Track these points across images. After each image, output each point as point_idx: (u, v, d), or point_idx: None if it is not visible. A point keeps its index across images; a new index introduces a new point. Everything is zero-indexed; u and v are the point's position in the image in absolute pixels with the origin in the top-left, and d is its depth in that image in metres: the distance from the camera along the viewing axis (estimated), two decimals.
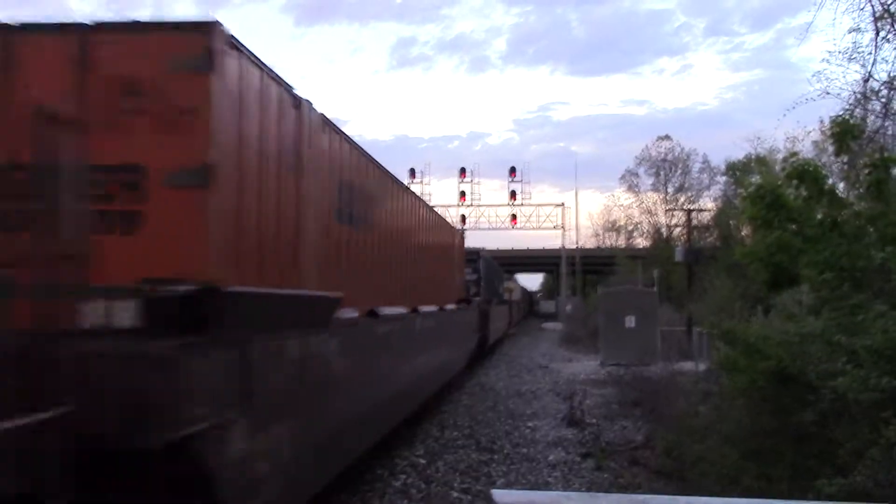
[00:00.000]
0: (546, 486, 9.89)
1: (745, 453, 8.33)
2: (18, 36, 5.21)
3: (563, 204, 61.43)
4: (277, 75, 6.16)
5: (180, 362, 4.50)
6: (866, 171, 8.52)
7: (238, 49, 5.36)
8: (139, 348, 4.40)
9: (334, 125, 7.90)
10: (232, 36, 5.24)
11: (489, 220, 58.91)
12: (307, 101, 6.87)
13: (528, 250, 76.97)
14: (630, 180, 66.65)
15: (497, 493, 4.25)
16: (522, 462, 11.23)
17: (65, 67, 5.04)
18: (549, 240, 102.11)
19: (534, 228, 59.63)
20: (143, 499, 4.62)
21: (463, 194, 56.42)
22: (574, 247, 64.24)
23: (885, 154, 9.37)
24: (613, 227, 74.47)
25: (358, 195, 8.73)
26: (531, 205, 58.52)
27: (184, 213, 4.82)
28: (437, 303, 14.55)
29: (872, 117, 14.83)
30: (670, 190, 64.14)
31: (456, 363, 18.27)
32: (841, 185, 14.43)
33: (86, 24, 5.17)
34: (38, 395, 4.19)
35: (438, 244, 16.06)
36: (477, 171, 75.21)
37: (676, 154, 64.07)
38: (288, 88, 6.42)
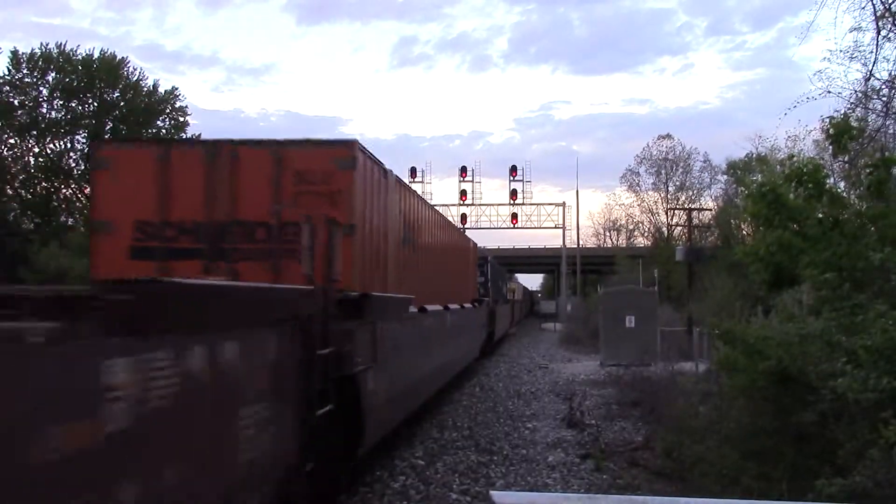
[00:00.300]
0: (545, 488, 9.86)
1: (745, 453, 8.30)
2: (241, 147, 8.92)
3: (563, 203, 61.34)
4: (379, 161, 9.96)
5: (355, 333, 7.73)
6: (867, 170, 8.49)
7: (364, 153, 9.14)
8: (344, 326, 7.50)
9: (401, 180, 11.88)
10: (362, 147, 9.06)
11: (490, 219, 58.90)
12: (390, 170, 10.71)
13: (528, 249, 76.98)
14: (631, 179, 66.76)
15: (496, 495, 4.23)
16: (522, 463, 11.20)
17: (268, 165, 8.68)
18: (549, 239, 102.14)
19: (534, 228, 59.58)
20: (344, 400, 7.44)
21: (464, 193, 56.45)
22: (574, 246, 64.20)
23: (886, 154, 9.35)
24: (614, 227, 74.62)
25: (412, 225, 12.46)
26: (532, 204, 58.53)
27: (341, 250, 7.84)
28: (459, 302, 17.87)
29: (873, 116, 14.81)
30: (671, 189, 64.22)
31: (471, 351, 21.35)
32: (842, 185, 14.42)
33: (280, 140, 9.02)
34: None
35: (460, 255, 19.80)
36: (478, 171, 75.38)
37: (677, 153, 64.18)
38: (381, 166, 10.14)
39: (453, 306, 16.39)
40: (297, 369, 6.22)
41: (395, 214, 10.98)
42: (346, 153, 8.72)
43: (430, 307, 13.13)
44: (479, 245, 28.08)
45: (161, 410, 4.01)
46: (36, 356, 3.12)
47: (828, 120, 9.11)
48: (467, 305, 19.59)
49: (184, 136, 48.27)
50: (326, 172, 8.56)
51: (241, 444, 5.10)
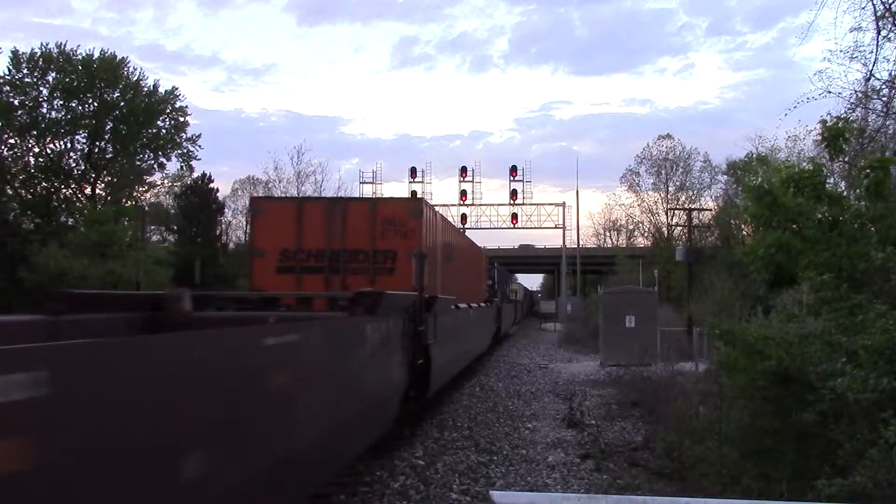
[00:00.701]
0: (545, 488, 9.87)
1: (745, 453, 8.30)
2: (350, 202, 16.60)
3: (563, 203, 61.37)
4: (432, 206, 15.26)
5: (428, 320, 11.71)
6: (866, 171, 8.49)
7: (426, 204, 14.52)
8: (423, 315, 11.55)
9: (443, 216, 17.41)
10: (426, 201, 16.07)
11: (490, 219, 58.92)
12: (439, 211, 15.92)
13: (528, 249, 76.96)
14: (631, 179, 66.78)
15: (496, 495, 4.23)
16: (521, 463, 11.20)
17: (365, 213, 13.29)
18: (549, 239, 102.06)
19: (534, 228, 59.61)
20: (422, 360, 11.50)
21: (464, 193, 56.52)
22: (574, 246, 64.20)
23: (885, 155, 9.35)
24: (614, 227, 74.64)
25: (449, 246, 16.82)
26: (532, 204, 58.60)
27: (412, 267, 11.97)
28: (475, 301, 22.10)
29: (874, 116, 14.81)
30: (671, 189, 64.23)
31: (485, 340, 26.27)
32: (842, 185, 14.41)
33: (374, 198, 28.15)
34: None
35: (476, 264, 24.39)
36: (478, 171, 75.37)
37: (677, 153, 64.21)
38: (435, 210, 15.70)
39: (474, 305, 21.19)
40: (410, 337, 10.76)
41: (441, 240, 15.49)
42: (416, 206, 13.86)
43: (461, 305, 17.83)
44: (478, 245, 31.27)
45: (378, 345, 8.75)
46: (359, 324, 8.25)
47: (821, 123, 9.12)
48: (482, 304, 24.36)
49: (270, 194, 50.77)
50: (403, 218, 13.18)
51: (394, 369, 9.77)
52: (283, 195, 47.94)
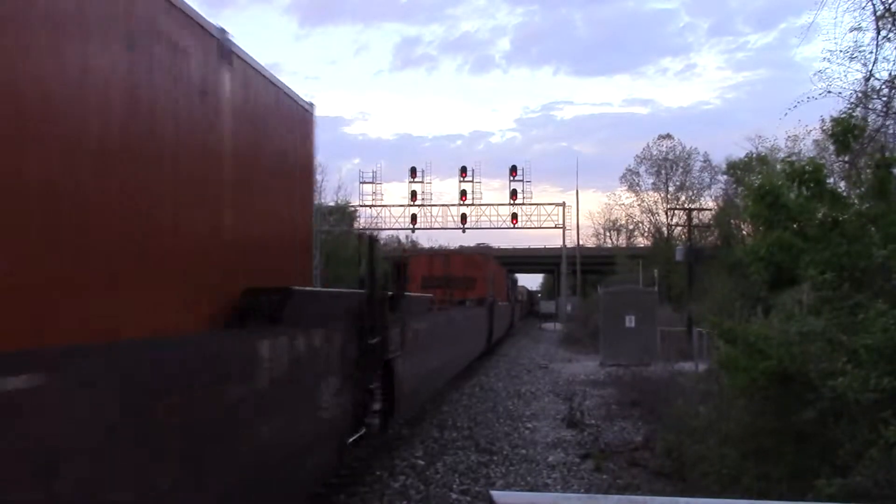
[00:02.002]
0: (545, 488, 9.86)
1: (745, 453, 8.29)
2: (452, 254, 34.98)
3: (563, 203, 61.33)
4: (494, 256, 44.07)
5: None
6: (868, 171, 8.48)
7: (492, 257, 39.70)
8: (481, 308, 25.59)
9: (495, 260, 40.74)
10: (492, 254, 46.79)
11: (490, 219, 58.88)
12: (493, 256, 41.53)
13: (528, 249, 76.96)
14: (631, 179, 66.81)
15: (496, 495, 4.21)
16: (522, 463, 11.19)
17: (462, 258, 31.90)
18: (549, 239, 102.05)
19: (534, 228, 59.57)
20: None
21: (464, 193, 56.41)
22: (574, 246, 64.17)
23: (887, 154, 9.33)
24: (614, 227, 74.62)
25: (496, 270, 35.41)
26: (532, 204, 58.48)
27: (480, 289, 28.07)
28: (501, 301, 33.65)
29: (873, 116, 14.79)
30: (671, 189, 64.24)
31: (506, 324, 37.35)
32: (842, 184, 14.40)
33: (465, 250, 47.56)
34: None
35: (502, 277, 38.50)
36: (479, 171, 75.40)
37: (677, 153, 64.22)
38: (495, 258, 41.53)
39: (501, 303, 32.61)
40: (490, 317, 25.51)
41: (497, 269, 35.35)
42: (486, 254, 40.39)
43: (501, 303, 32.12)
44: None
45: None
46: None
47: (830, 119, 9.11)
48: (504, 303, 35.09)
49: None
50: (473, 268, 29.65)
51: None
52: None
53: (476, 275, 28.46)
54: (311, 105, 7.99)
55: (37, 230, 3.64)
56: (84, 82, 4.02)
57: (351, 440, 8.07)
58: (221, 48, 5.69)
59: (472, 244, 60.06)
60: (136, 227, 4.47)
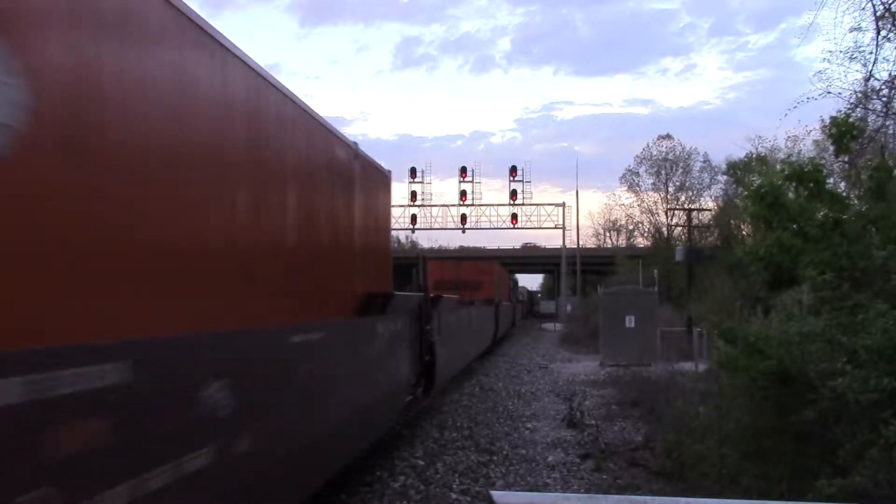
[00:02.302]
0: (545, 488, 9.86)
1: (745, 453, 8.29)
2: (462, 262, 35.14)
3: (563, 203, 61.37)
4: (500, 265, 40.76)
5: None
6: (868, 173, 8.49)
7: (497, 265, 38.13)
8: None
9: (501, 266, 41.25)
10: (497, 263, 40.13)
11: (490, 219, 58.90)
12: (499, 265, 40.40)
13: (528, 249, 76.91)
14: (631, 179, 66.83)
15: (496, 495, 4.22)
16: (521, 463, 11.20)
17: (471, 265, 34.14)
18: (549, 239, 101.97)
19: (534, 228, 59.62)
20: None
21: (464, 194, 56.46)
22: (574, 246, 64.19)
23: (885, 154, 9.34)
24: (614, 227, 74.65)
25: (501, 273, 37.84)
26: (532, 204, 58.58)
27: (486, 290, 29.92)
28: (506, 300, 38.28)
29: (873, 116, 14.82)
30: (671, 189, 64.27)
31: (510, 320, 41.61)
32: (842, 185, 14.41)
33: (471, 257, 53.21)
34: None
35: (506, 280, 39.98)
36: (479, 171, 75.47)
37: (677, 153, 64.25)
38: (501, 266, 41.37)
39: (505, 302, 36.49)
40: (496, 315, 28.99)
41: (501, 272, 37.54)
42: (492, 262, 37.39)
43: (504, 302, 35.70)
44: (478, 246, 40.89)
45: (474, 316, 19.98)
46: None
47: (829, 119, 9.10)
48: (507, 303, 39.07)
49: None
50: (480, 273, 31.27)
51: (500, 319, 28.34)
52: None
53: (483, 278, 31.36)
54: (389, 172, 11.13)
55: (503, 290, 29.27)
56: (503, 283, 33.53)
57: (407, 399, 11.90)
58: (355, 152, 8.79)
59: (471, 245, 60.12)
60: (338, 272, 8.17)
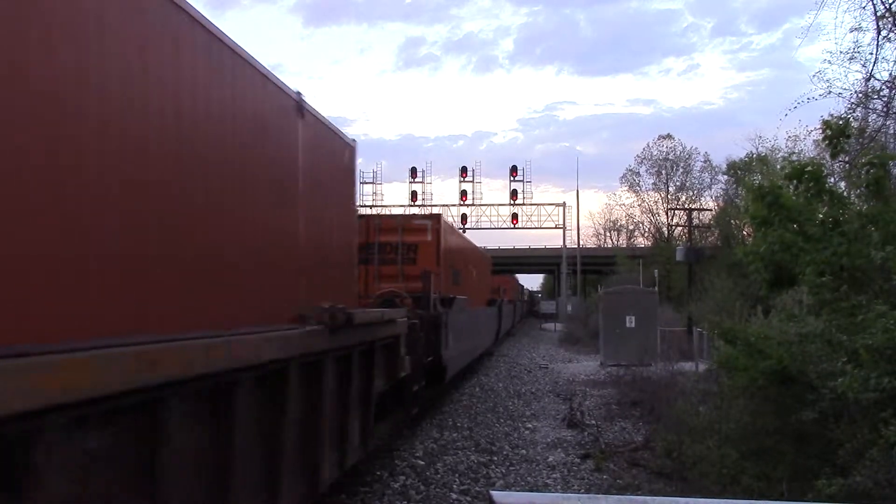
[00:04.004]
0: (545, 488, 9.86)
1: (745, 453, 8.30)
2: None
3: (563, 203, 61.36)
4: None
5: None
6: (865, 169, 8.48)
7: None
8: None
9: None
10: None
11: (490, 219, 58.89)
12: (461, 226, 46.30)
13: (528, 249, 76.94)
14: (631, 179, 66.81)
15: (496, 495, 4.22)
16: (522, 463, 11.20)
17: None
18: (550, 239, 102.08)
19: (534, 228, 59.62)
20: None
21: (464, 193, 56.46)
22: (575, 246, 64.18)
23: (883, 151, 9.33)
24: (614, 227, 74.63)
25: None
26: (532, 204, 58.55)
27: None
28: (511, 299, 41.61)
29: (874, 116, 14.83)
30: (671, 189, 64.23)
31: (515, 318, 45.07)
32: (842, 185, 14.40)
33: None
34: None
35: (512, 284, 47.91)
36: (481, 171, 75.56)
37: (678, 153, 64.21)
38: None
39: (506, 303, 36.46)
40: (499, 316, 30.19)
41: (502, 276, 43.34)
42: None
43: (506, 303, 35.74)
44: (478, 246, 36.41)
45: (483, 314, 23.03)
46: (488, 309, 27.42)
47: (822, 121, 9.10)
48: (509, 304, 38.78)
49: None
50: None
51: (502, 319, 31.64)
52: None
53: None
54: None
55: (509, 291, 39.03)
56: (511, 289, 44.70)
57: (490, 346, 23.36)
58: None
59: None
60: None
